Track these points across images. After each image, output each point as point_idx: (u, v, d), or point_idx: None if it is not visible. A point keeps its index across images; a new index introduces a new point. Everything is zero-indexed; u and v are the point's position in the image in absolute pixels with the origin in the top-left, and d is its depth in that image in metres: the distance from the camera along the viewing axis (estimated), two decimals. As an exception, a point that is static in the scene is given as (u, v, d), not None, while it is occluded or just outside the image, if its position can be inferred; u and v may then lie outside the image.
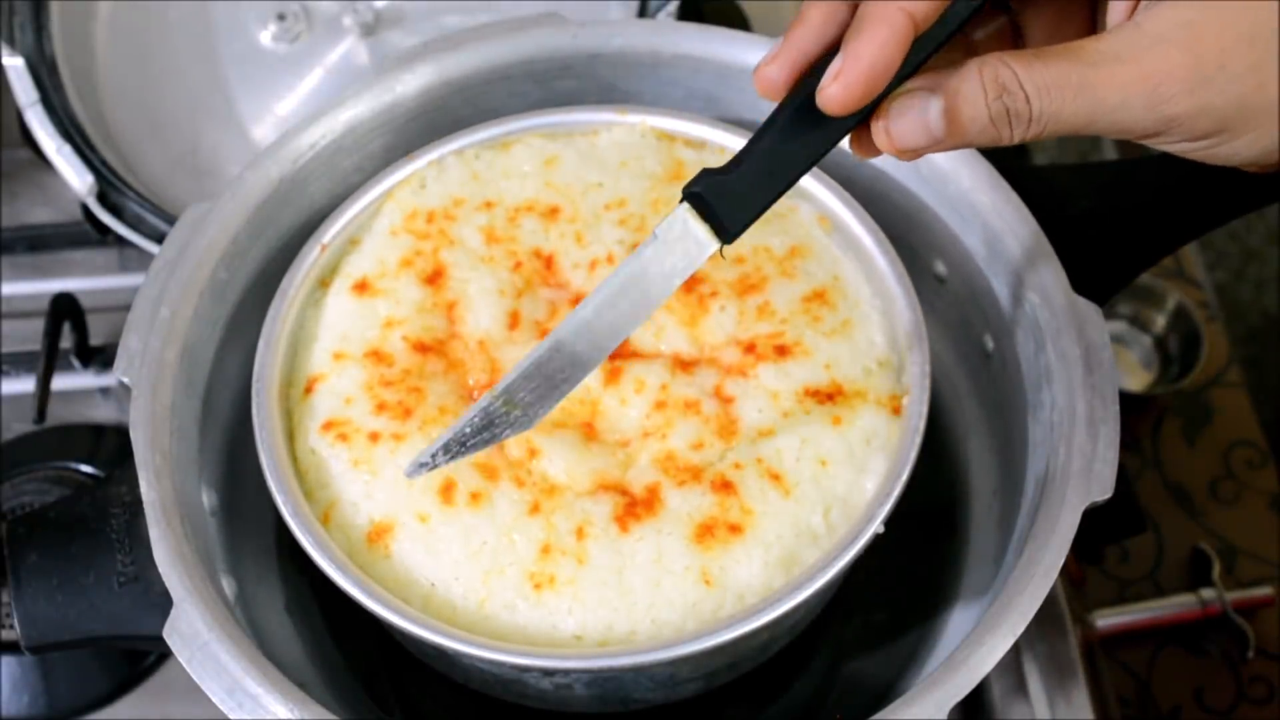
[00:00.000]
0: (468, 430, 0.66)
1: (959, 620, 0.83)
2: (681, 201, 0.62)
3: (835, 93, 0.57)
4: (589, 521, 0.70)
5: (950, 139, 0.58)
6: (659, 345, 0.76)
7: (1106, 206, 0.80)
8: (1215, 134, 0.58)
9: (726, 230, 0.62)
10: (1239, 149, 0.59)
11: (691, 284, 0.77)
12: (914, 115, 0.58)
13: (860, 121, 0.60)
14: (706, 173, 0.62)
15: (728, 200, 0.61)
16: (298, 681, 0.67)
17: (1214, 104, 0.57)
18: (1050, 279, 0.76)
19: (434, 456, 0.66)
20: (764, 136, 0.61)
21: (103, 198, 0.99)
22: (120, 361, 0.74)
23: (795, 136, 0.60)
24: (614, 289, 0.64)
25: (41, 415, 0.97)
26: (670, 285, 0.63)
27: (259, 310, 0.78)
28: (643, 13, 1.03)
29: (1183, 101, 0.56)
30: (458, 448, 0.66)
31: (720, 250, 0.62)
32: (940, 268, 0.85)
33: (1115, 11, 0.60)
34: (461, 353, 0.77)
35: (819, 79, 0.57)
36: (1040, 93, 0.57)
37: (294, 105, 1.08)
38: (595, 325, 0.64)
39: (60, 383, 1.01)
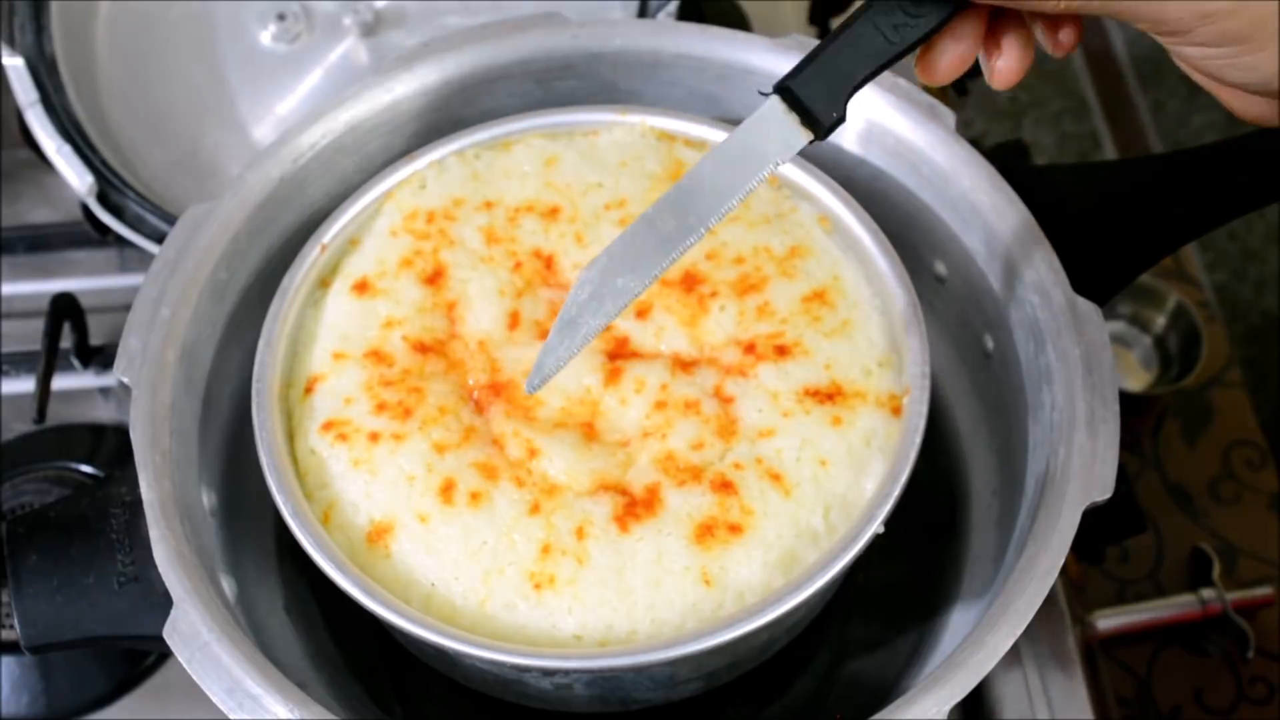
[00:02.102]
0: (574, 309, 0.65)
1: (959, 620, 0.83)
2: (771, 93, 0.63)
3: None
4: (589, 521, 0.70)
5: None
6: (659, 345, 0.76)
7: (1106, 206, 0.80)
8: (1239, 41, 0.58)
9: (819, 124, 0.62)
10: (1258, 64, 0.59)
11: (691, 284, 0.77)
12: None
13: (940, 24, 0.61)
14: (798, 67, 0.62)
15: (814, 93, 0.62)
16: (298, 681, 0.67)
17: (1249, 7, 0.57)
18: (1050, 279, 0.76)
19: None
20: (846, 31, 0.62)
21: (103, 198, 0.99)
22: (120, 361, 0.74)
23: (875, 30, 0.61)
24: (707, 168, 0.64)
25: (41, 415, 0.97)
26: (762, 171, 0.64)
27: (259, 310, 0.78)
28: (643, 13, 1.03)
29: None
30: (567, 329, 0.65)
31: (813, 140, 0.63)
32: (940, 268, 0.85)
33: None
34: (461, 353, 0.77)
35: None
36: None
37: (294, 105, 1.08)
38: (683, 204, 0.64)
39: (60, 383, 1.01)
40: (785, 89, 0.63)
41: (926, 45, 0.63)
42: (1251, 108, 0.63)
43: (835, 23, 1.20)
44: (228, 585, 0.75)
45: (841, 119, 0.63)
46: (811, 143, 0.63)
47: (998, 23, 0.63)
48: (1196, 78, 0.62)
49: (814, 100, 0.62)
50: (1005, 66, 0.64)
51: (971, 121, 1.84)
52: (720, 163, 0.64)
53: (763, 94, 0.63)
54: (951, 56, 0.63)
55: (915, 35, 0.62)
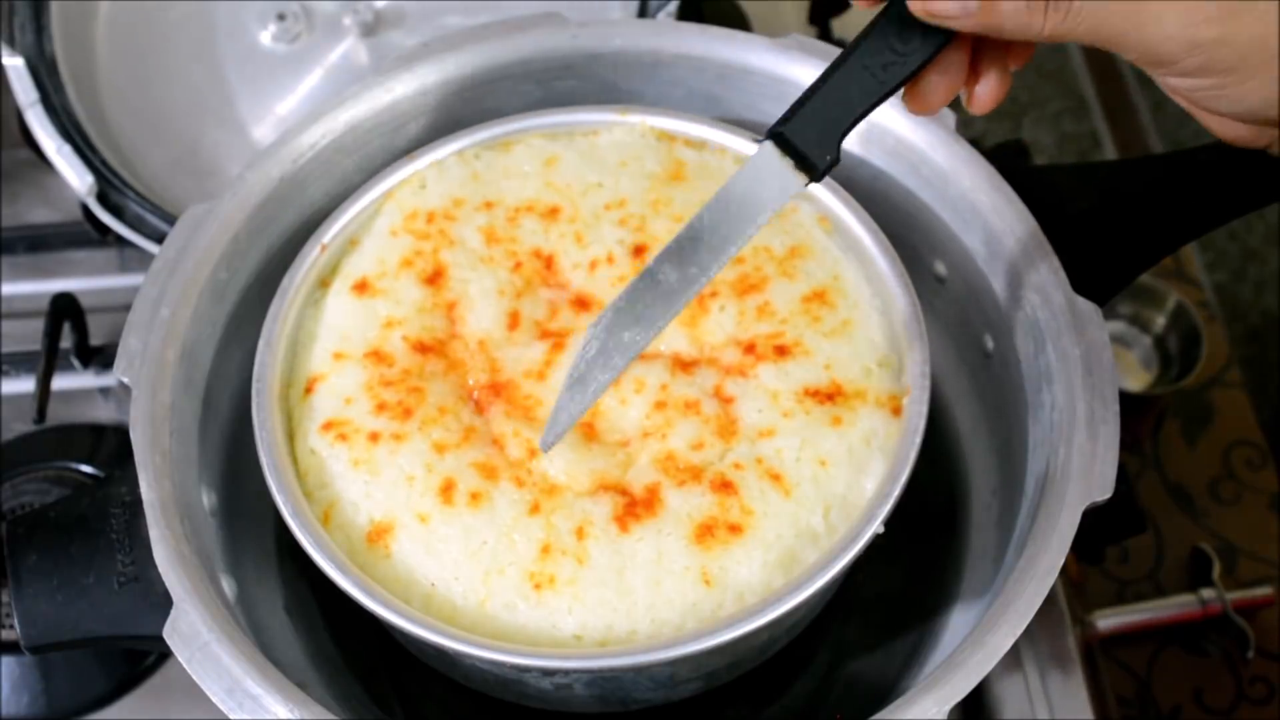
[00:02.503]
0: (582, 365, 0.67)
1: (959, 620, 0.83)
2: (766, 139, 0.64)
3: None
4: (589, 521, 0.70)
5: (983, 15, 0.59)
6: (659, 345, 0.76)
7: (1106, 206, 0.80)
8: (1228, 71, 0.59)
9: (814, 167, 0.64)
10: (1245, 94, 0.60)
11: (691, 284, 0.77)
12: None
13: (927, 59, 0.62)
14: (790, 111, 0.64)
15: (808, 134, 0.64)
16: (298, 681, 0.67)
17: (1238, 37, 0.58)
18: (1050, 279, 0.76)
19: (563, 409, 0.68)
20: (835, 73, 0.63)
21: (103, 198, 0.99)
22: (120, 361, 0.74)
23: (864, 70, 0.63)
24: (706, 217, 0.65)
25: (41, 415, 0.97)
26: (758, 222, 0.65)
27: (259, 310, 0.78)
28: (643, 13, 1.03)
29: (1213, 27, 0.57)
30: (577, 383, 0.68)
31: (806, 184, 0.65)
32: (940, 268, 0.85)
33: None
34: (461, 353, 0.77)
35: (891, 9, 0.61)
36: None
37: (294, 105, 1.08)
38: (685, 254, 0.66)
39: (60, 383, 1.01)
40: (779, 135, 0.64)
41: (915, 79, 0.63)
42: (1236, 132, 0.63)
43: (835, 23, 1.20)
44: (228, 585, 0.75)
45: (835, 161, 0.64)
46: (807, 185, 0.64)
47: (979, 51, 0.64)
48: (1183, 104, 0.62)
49: (808, 145, 0.64)
50: (984, 93, 0.65)
51: (971, 121, 1.84)
52: (719, 211, 0.65)
53: (756, 140, 0.64)
54: (939, 87, 0.64)
55: (904, 72, 0.63)
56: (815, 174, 0.64)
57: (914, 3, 0.60)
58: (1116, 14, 0.58)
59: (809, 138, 0.64)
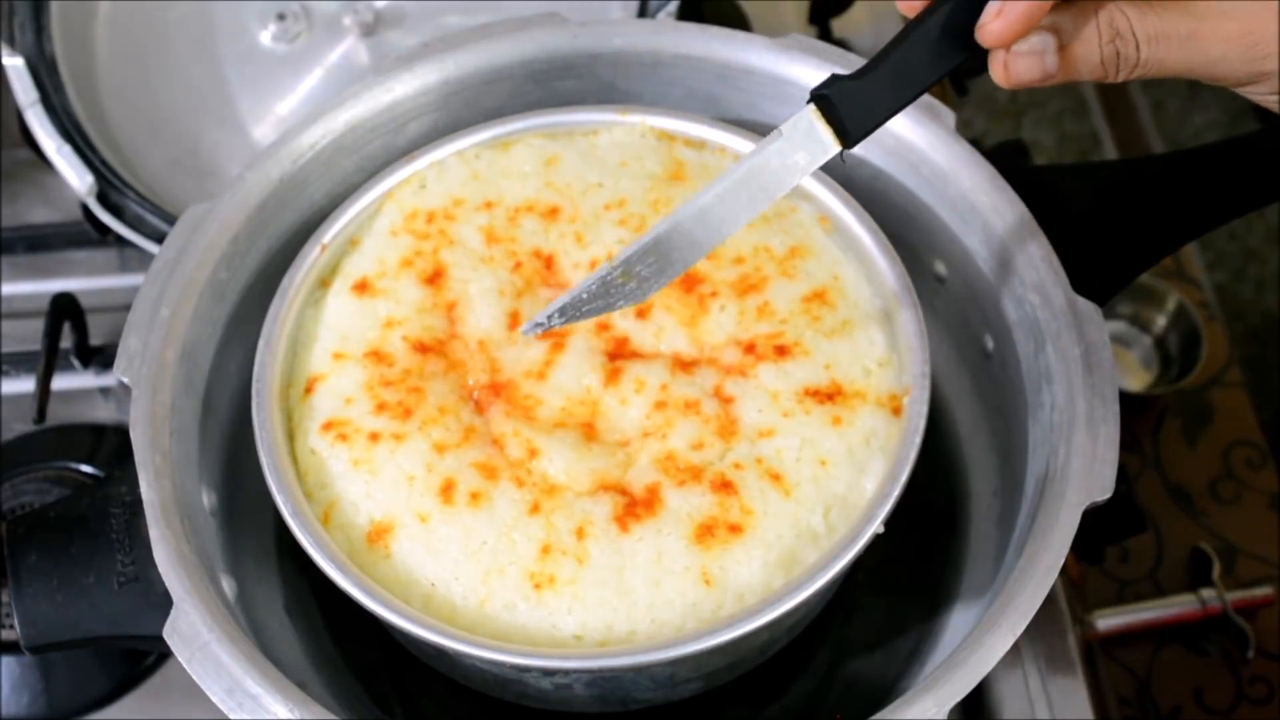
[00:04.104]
0: (584, 296, 0.68)
1: (959, 620, 0.83)
2: (808, 102, 0.64)
3: (997, 28, 0.61)
4: (589, 521, 0.70)
5: (1060, 75, 0.62)
6: (659, 345, 0.76)
7: (1106, 206, 0.80)
8: None
9: (849, 134, 0.64)
10: None
11: (691, 284, 0.77)
12: (1033, 53, 0.61)
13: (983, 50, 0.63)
14: (835, 78, 0.64)
15: (854, 105, 0.64)
16: (298, 681, 0.67)
17: None
18: (1050, 279, 0.76)
19: (550, 318, 0.69)
20: (894, 51, 0.63)
21: (103, 198, 0.99)
22: (120, 361, 0.74)
23: (924, 52, 0.63)
24: (735, 180, 0.66)
25: (41, 415, 0.97)
26: (788, 182, 0.66)
27: (259, 310, 0.78)
28: (643, 13, 1.03)
29: (1275, 60, 0.61)
30: (574, 311, 0.69)
31: (841, 155, 0.65)
32: (940, 268, 0.85)
33: None
34: (461, 353, 0.77)
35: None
36: (1150, 40, 0.61)
37: (294, 105, 1.08)
38: (713, 212, 0.67)
39: (60, 383, 1.01)
40: (822, 97, 0.64)
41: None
42: None
43: (835, 23, 1.20)
44: (228, 585, 0.75)
45: (868, 133, 0.64)
46: (841, 153, 0.65)
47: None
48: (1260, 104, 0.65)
49: (849, 112, 0.64)
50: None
51: (971, 121, 1.84)
52: (749, 173, 0.66)
53: (818, 92, 0.64)
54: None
55: (963, 59, 0.63)
56: (849, 141, 0.64)
57: (996, 72, 0.62)
58: (1183, 61, 0.61)
59: (851, 105, 0.64)
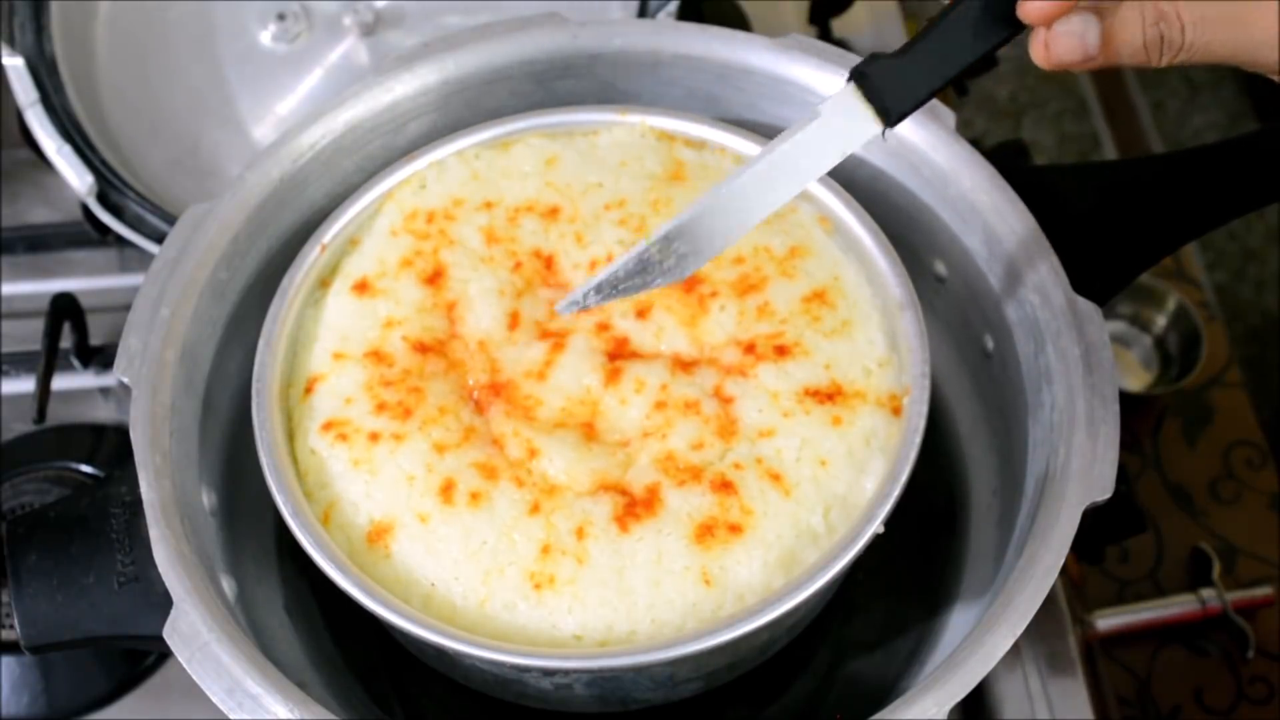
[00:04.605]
0: (621, 273, 0.67)
1: (959, 620, 0.83)
2: (848, 81, 0.64)
3: (1039, 5, 0.60)
4: (589, 521, 0.70)
5: (1102, 59, 0.61)
6: (659, 345, 0.76)
7: (1106, 206, 0.80)
8: None
9: (889, 113, 0.64)
10: None
11: (691, 284, 0.77)
12: (1074, 34, 0.61)
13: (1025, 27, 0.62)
14: (875, 56, 0.64)
15: (894, 84, 0.63)
16: (298, 681, 0.67)
17: None
18: (1050, 279, 0.76)
19: (585, 295, 0.67)
20: (935, 29, 0.63)
21: (103, 198, 0.99)
22: (120, 361, 0.74)
23: (966, 30, 0.62)
24: (774, 159, 0.65)
25: (41, 415, 0.97)
26: (827, 163, 0.65)
27: (259, 310, 0.78)
28: (643, 13, 1.03)
29: None
30: (610, 289, 0.67)
31: (883, 134, 0.64)
32: (940, 268, 0.85)
33: None
34: (461, 353, 0.77)
35: None
36: (1195, 25, 0.60)
37: (294, 105, 1.08)
38: (750, 192, 0.66)
39: (60, 383, 1.01)
40: (862, 74, 0.63)
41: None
42: None
43: (835, 23, 1.20)
44: (228, 585, 0.75)
45: (908, 113, 0.64)
46: (882, 133, 0.64)
47: None
48: None
49: (888, 91, 0.63)
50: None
51: (971, 121, 1.84)
52: (785, 152, 0.65)
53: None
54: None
55: (1008, 34, 0.63)
56: (890, 120, 0.64)
57: (1036, 52, 0.62)
58: (1228, 45, 0.61)
59: (892, 84, 0.63)
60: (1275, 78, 0.63)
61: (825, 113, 0.64)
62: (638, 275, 0.67)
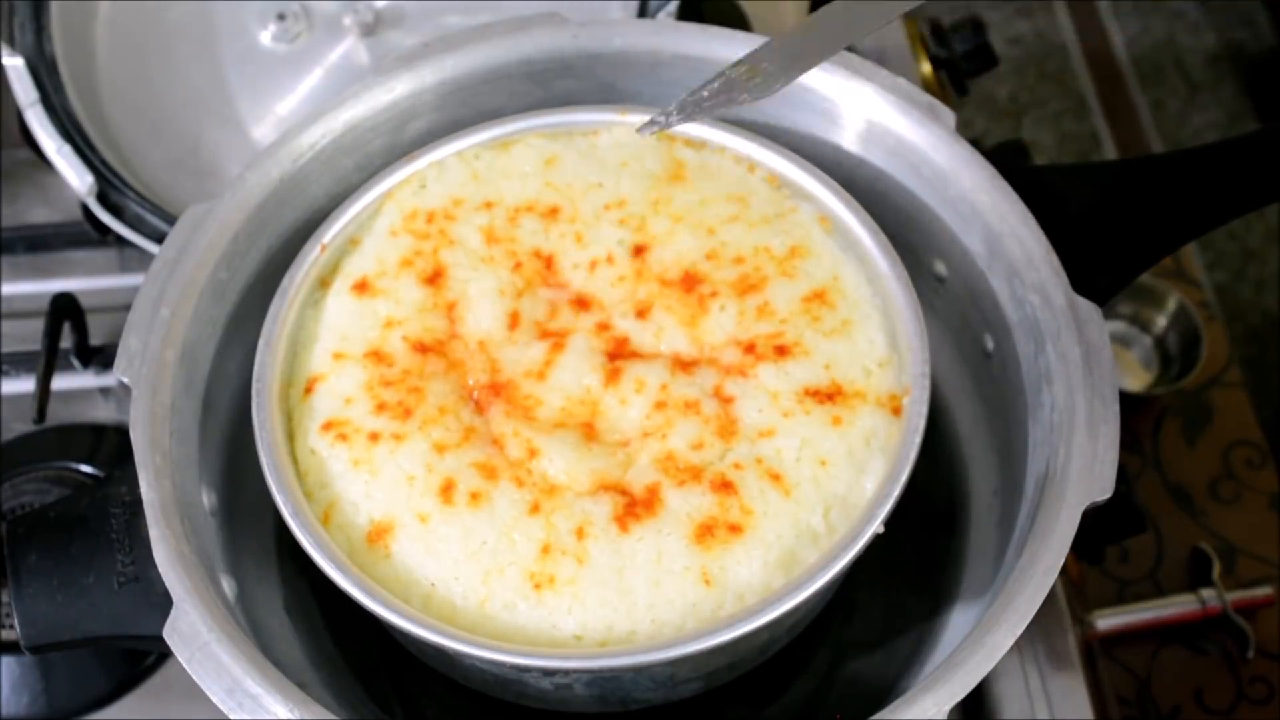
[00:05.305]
0: (705, 94, 0.66)
1: (959, 620, 0.83)
2: None
3: None
4: (589, 521, 0.70)
5: None
6: (659, 345, 0.76)
7: (1106, 206, 0.80)
8: None
9: None
10: None
11: (691, 284, 0.77)
12: None
13: None
14: None
15: None
16: (298, 681, 0.67)
17: None
18: (1050, 279, 0.76)
19: (668, 115, 0.67)
20: None
21: (103, 198, 0.99)
22: (120, 361, 0.74)
23: None
24: None
25: (41, 415, 0.97)
26: None
27: (259, 310, 0.78)
28: (643, 13, 1.03)
29: None
30: (693, 107, 0.67)
31: None
32: (940, 268, 0.85)
33: None
34: (461, 353, 0.77)
35: None
36: None
37: (294, 105, 1.08)
38: (839, 12, 0.65)
39: (60, 383, 1.01)
40: None
41: None
42: None
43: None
44: (228, 585, 0.75)
45: None
46: None
47: None
48: None
49: None
50: None
51: (971, 121, 1.84)
52: None
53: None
54: None
55: None
56: None
57: None
58: None
59: None
60: None
61: None
62: (722, 93, 0.66)
